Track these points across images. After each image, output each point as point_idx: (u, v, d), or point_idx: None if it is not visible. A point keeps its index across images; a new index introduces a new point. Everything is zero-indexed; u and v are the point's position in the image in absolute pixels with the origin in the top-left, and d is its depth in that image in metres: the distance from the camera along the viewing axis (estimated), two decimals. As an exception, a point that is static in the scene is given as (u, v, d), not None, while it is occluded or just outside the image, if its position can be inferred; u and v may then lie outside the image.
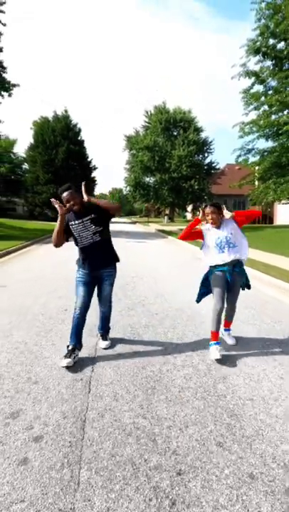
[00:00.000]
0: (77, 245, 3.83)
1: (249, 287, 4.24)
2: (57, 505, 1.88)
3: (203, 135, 45.07)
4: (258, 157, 19.49)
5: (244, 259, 4.03)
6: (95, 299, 3.94)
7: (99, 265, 3.81)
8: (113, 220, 44.77)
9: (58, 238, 3.56)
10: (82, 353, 3.81)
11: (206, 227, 4.08)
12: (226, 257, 3.90)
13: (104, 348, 4.00)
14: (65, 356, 3.57)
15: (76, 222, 3.65)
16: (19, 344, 4.13)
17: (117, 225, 39.72)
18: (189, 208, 52.11)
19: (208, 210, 3.94)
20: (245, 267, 4.14)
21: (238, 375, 3.42)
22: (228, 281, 3.93)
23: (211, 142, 45.43)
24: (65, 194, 3.54)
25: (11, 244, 14.04)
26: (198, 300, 4.36)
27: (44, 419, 2.65)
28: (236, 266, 3.97)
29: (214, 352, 3.73)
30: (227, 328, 4.34)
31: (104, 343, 4.08)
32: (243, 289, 4.22)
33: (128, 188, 48.53)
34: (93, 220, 3.63)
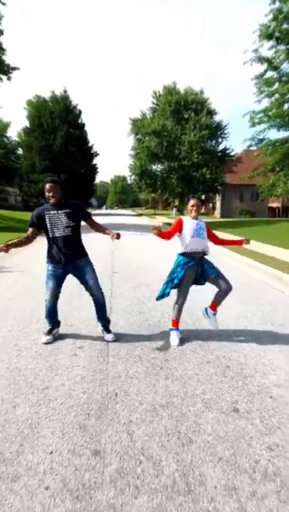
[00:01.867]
0: (48, 237, 4.73)
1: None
2: (98, 367, 4.03)
3: (216, 118, 46.72)
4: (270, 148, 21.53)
5: (207, 252, 4.98)
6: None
7: (71, 257, 4.73)
8: (116, 212, 46.46)
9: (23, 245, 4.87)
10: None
11: (185, 218, 4.94)
12: (199, 242, 4.83)
13: (111, 341, 4.81)
14: (46, 334, 4.90)
15: (52, 212, 4.58)
16: (52, 307, 6.27)
17: (120, 217, 41.84)
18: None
19: (193, 201, 4.84)
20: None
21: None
22: (200, 273, 4.91)
23: (225, 126, 47.01)
24: (48, 186, 4.49)
25: (17, 236, 16.24)
26: (159, 298, 5.07)
27: (82, 340, 4.82)
28: (203, 256, 4.96)
29: (174, 338, 4.89)
30: (214, 312, 5.09)
31: (109, 336, 4.87)
32: None
33: (133, 177, 50.08)
34: (68, 214, 4.58)
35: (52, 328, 4.98)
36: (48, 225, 4.63)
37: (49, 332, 4.92)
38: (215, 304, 5.02)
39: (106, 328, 4.96)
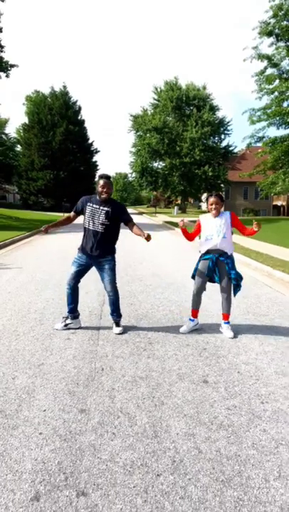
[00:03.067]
0: (84, 227, 5.21)
1: (237, 286, 5.35)
2: (88, 349, 4.69)
3: (219, 114, 47.37)
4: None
5: (230, 254, 5.28)
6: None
7: (98, 252, 5.15)
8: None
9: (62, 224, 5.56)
10: (93, 302, 6.59)
11: (205, 217, 5.33)
12: (216, 242, 5.13)
13: (118, 334, 5.28)
14: (61, 321, 5.49)
15: (94, 206, 5.09)
16: (49, 299, 6.94)
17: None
18: (203, 196, 54.28)
19: (212, 199, 5.12)
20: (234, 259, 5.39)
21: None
22: (211, 268, 5.24)
23: (228, 123, 47.63)
24: (102, 182, 4.99)
25: (15, 234, 16.95)
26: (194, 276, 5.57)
27: (74, 328, 5.46)
28: (222, 255, 5.24)
29: (185, 326, 5.43)
30: (226, 321, 5.40)
31: (117, 329, 5.33)
32: (235, 289, 5.39)
33: (134, 174, 50.69)
34: (107, 213, 5.04)
35: (67, 316, 5.45)
36: (87, 216, 5.16)
37: (64, 319, 5.46)
38: (224, 314, 5.44)
39: (116, 323, 5.42)
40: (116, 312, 5.43)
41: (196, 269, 5.50)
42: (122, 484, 2.48)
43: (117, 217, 5.22)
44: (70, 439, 2.94)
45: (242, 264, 11.15)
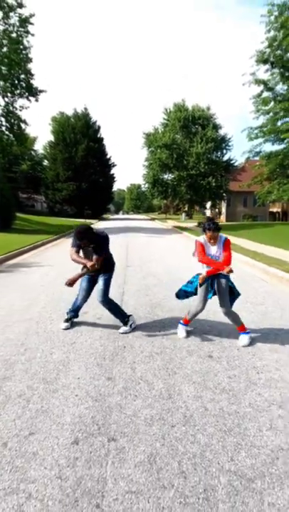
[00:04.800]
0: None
1: (234, 293, 4.93)
2: (112, 331, 4.95)
3: (221, 132, 47.50)
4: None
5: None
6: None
7: (98, 272, 5.18)
8: (131, 217, 47.39)
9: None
10: (114, 293, 6.83)
11: (205, 243, 4.73)
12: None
13: (121, 333, 4.99)
14: (65, 321, 5.27)
15: (84, 247, 5.01)
16: (76, 291, 7.19)
17: (135, 221, 42.77)
18: (208, 204, 54.48)
19: (210, 234, 4.57)
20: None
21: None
22: (211, 283, 4.84)
23: (229, 139, 47.69)
24: (82, 240, 4.80)
25: (45, 237, 17.32)
26: (180, 296, 5.17)
27: (100, 313, 5.72)
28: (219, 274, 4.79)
29: (183, 332, 4.91)
30: (242, 332, 4.71)
31: (121, 329, 5.08)
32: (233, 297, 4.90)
33: (146, 185, 51.03)
34: (93, 248, 4.96)
35: (71, 318, 5.36)
36: (82, 254, 5.12)
37: (67, 320, 5.32)
38: (238, 328, 4.78)
39: (124, 323, 5.14)
40: (119, 319, 5.19)
41: (195, 287, 4.97)
42: (143, 433, 2.74)
43: (97, 249, 5.00)
44: (101, 399, 3.21)
45: (241, 262, 11.33)
